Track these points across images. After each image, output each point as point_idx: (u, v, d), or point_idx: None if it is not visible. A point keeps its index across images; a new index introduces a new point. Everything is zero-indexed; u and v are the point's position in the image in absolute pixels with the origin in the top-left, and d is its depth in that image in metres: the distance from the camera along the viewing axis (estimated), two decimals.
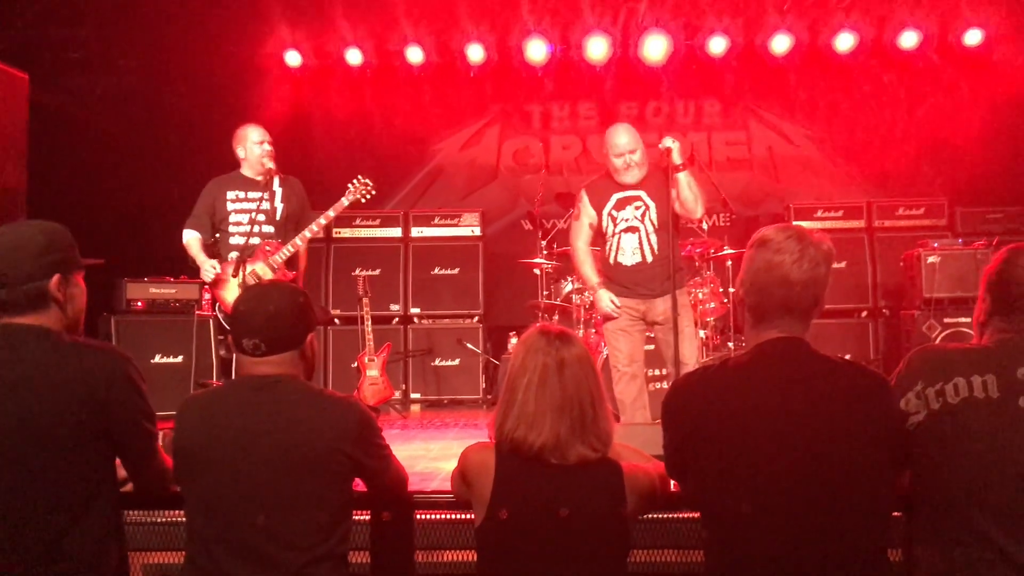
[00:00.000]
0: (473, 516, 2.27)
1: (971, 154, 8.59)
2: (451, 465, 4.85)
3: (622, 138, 5.02)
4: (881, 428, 1.99)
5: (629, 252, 5.03)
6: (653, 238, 4.99)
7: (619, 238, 5.05)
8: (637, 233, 5.01)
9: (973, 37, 8.63)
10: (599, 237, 5.17)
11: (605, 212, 5.08)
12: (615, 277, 5.10)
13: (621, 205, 5.05)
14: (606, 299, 5.03)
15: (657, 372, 6.51)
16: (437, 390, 8.42)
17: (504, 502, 2.16)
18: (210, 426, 2.24)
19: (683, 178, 4.87)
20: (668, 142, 4.86)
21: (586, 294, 7.34)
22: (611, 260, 5.11)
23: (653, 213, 4.97)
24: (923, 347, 2.25)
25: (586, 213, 5.15)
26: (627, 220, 5.03)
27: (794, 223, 7.95)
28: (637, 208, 5.02)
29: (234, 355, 2.42)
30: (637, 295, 5.02)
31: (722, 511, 2.00)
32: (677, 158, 4.83)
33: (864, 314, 8.42)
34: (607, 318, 5.08)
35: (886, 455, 1.99)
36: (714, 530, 2.04)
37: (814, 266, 2.03)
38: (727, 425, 1.98)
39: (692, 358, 4.95)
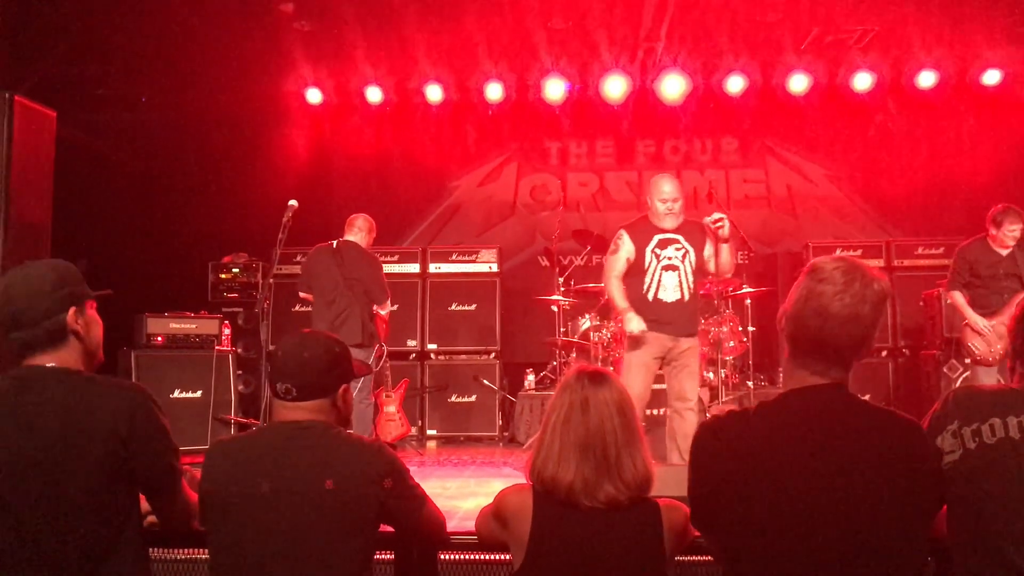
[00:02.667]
0: (501, 557, 2.25)
1: (990, 194, 8.54)
2: (469, 504, 4.85)
3: (668, 186, 5.32)
4: (916, 478, 1.94)
5: (671, 289, 5.24)
6: (690, 279, 5.28)
7: (660, 275, 5.25)
8: (677, 272, 5.26)
9: (991, 77, 8.66)
10: (635, 275, 5.30)
11: (648, 249, 5.27)
12: (652, 313, 5.21)
13: (663, 245, 5.29)
14: (637, 320, 5.14)
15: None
16: (453, 427, 8.40)
17: (543, 545, 2.15)
18: (239, 470, 2.24)
19: (726, 248, 5.29)
20: (717, 215, 5.21)
21: (604, 331, 7.34)
22: (650, 296, 5.26)
23: (692, 256, 5.29)
24: (961, 387, 2.24)
25: (625, 249, 5.30)
26: (669, 259, 5.27)
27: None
28: (678, 249, 5.29)
29: (270, 399, 2.43)
30: (670, 332, 5.22)
31: (751, 559, 1.96)
32: (726, 232, 5.18)
33: (884, 353, 8.36)
34: (633, 341, 5.22)
35: (921, 503, 1.95)
36: None
37: (857, 302, 1.94)
38: (757, 472, 1.93)
39: (695, 395, 5.31)
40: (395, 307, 7.70)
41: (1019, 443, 2.02)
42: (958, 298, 6.07)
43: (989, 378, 5.87)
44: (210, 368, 6.96)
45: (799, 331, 2.01)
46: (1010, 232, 5.87)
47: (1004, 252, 5.93)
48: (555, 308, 7.91)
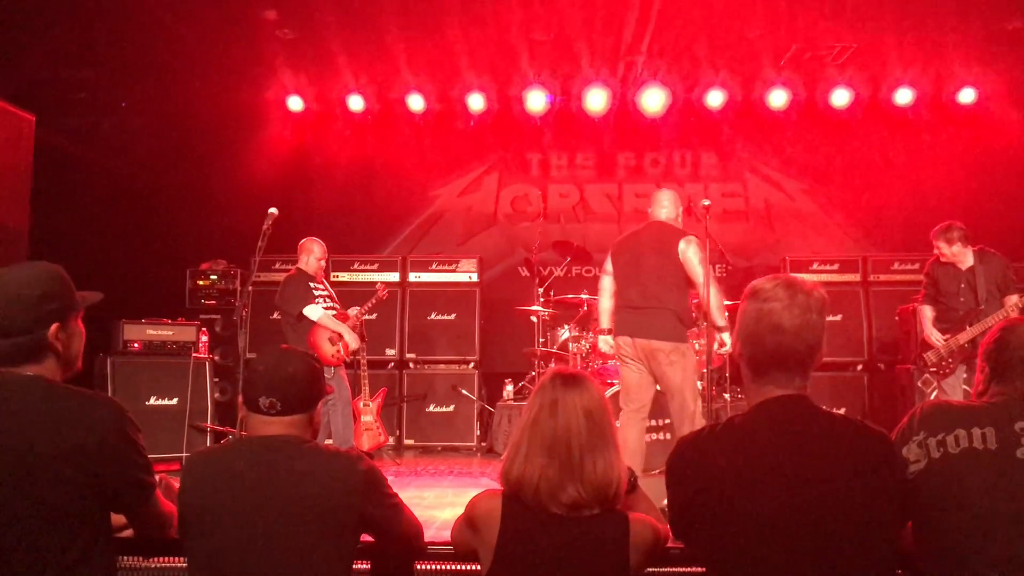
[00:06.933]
0: (477, 567, 2.26)
1: (965, 209, 8.69)
2: (446, 513, 4.85)
3: None
4: (884, 485, 1.99)
5: None
6: None
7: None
8: None
9: (966, 96, 8.79)
10: (693, 282, 5.21)
11: None
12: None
13: None
14: None
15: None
16: (432, 436, 8.38)
17: (509, 550, 2.17)
18: (217, 484, 2.25)
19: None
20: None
21: (583, 342, 7.37)
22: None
23: None
24: (927, 402, 2.32)
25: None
26: None
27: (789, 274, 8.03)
28: None
29: (242, 415, 2.42)
30: None
31: (728, 569, 1.99)
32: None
33: (859, 368, 8.43)
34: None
35: (890, 512, 1.99)
36: None
37: (804, 311, 2.03)
38: (731, 485, 1.97)
39: None
40: (374, 315, 7.68)
41: (982, 453, 2.11)
42: (923, 312, 6.23)
43: (956, 393, 6.00)
44: (187, 375, 6.92)
45: (758, 350, 2.07)
46: (943, 248, 6.01)
47: (964, 266, 6.02)
48: (534, 319, 7.92)
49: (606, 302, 5.48)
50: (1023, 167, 8.47)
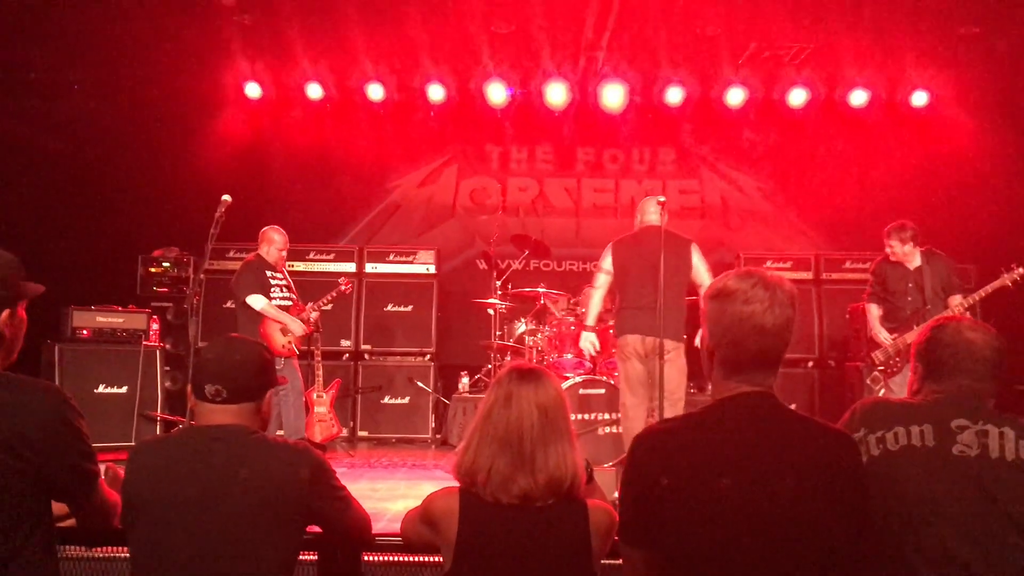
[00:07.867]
0: (426, 558, 2.27)
1: (915, 211, 8.83)
2: (398, 505, 4.84)
3: None
4: (846, 485, 1.96)
5: None
6: None
7: None
8: None
9: (919, 98, 8.95)
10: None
11: None
12: None
13: None
14: None
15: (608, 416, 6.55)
16: (386, 428, 8.35)
17: (470, 546, 2.18)
18: (163, 474, 2.22)
19: None
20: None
21: (539, 335, 7.39)
22: None
23: None
24: (867, 399, 2.35)
25: None
26: None
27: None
28: None
29: (191, 404, 2.40)
30: None
31: (683, 569, 1.94)
32: None
33: (810, 364, 8.56)
34: None
35: (851, 512, 1.96)
36: None
37: (783, 309, 2.01)
38: (691, 482, 1.94)
39: None
40: (329, 306, 7.62)
41: (920, 450, 2.16)
42: (871, 311, 6.35)
43: (903, 392, 6.10)
44: (137, 364, 6.83)
45: (740, 352, 2.03)
46: (896, 247, 6.12)
47: (912, 266, 6.13)
48: (492, 311, 7.92)
49: (598, 301, 5.83)
50: (972, 170, 8.63)
